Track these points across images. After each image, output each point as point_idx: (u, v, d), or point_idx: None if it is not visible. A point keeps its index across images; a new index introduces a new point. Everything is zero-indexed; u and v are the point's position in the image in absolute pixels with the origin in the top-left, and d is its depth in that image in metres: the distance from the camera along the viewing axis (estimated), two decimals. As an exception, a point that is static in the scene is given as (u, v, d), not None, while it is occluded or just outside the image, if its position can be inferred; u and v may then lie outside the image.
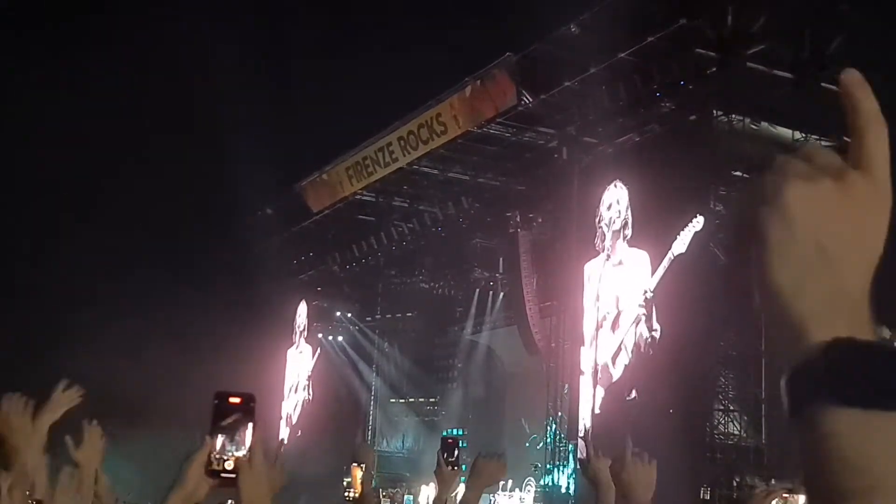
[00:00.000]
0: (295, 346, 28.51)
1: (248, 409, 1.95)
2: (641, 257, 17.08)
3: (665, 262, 16.35)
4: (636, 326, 17.25)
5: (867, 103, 0.83)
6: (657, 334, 16.58)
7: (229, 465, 1.91)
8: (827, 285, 0.80)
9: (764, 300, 0.81)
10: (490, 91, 18.75)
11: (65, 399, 3.45)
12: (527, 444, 22.11)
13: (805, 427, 0.78)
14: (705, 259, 15.73)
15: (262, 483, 1.97)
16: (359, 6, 27.71)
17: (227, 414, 1.93)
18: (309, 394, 27.67)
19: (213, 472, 1.92)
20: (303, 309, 28.46)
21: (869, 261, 0.81)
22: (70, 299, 24.08)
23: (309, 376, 27.91)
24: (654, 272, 16.70)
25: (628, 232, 17.46)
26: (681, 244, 15.89)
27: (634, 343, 17.27)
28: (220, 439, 1.91)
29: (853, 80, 0.84)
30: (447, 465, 4.38)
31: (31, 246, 25.27)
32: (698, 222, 15.64)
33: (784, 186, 0.82)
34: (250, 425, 1.93)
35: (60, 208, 25.42)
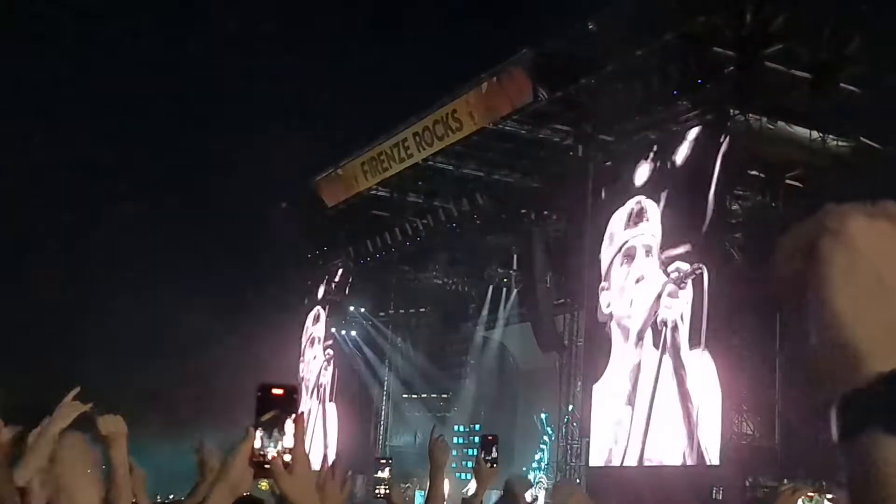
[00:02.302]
0: (309, 343, 28.50)
1: (290, 402, 1.93)
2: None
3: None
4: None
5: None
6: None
7: (271, 456, 1.90)
8: (886, 316, 0.83)
9: (821, 325, 0.85)
10: (506, 87, 18.72)
11: (72, 408, 3.54)
12: (542, 443, 22.13)
13: (857, 452, 0.80)
14: (719, 258, 15.68)
15: (308, 491, 1.92)
16: (375, 3, 27.72)
17: (270, 404, 1.91)
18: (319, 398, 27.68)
19: (258, 465, 1.91)
20: (317, 311, 28.38)
21: None
22: (84, 302, 24.28)
23: (318, 382, 27.88)
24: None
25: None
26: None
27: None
28: (260, 434, 1.90)
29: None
30: (486, 464, 4.37)
31: (52, 247, 25.41)
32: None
33: (848, 219, 0.87)
34: (290, 420, 1.91)
35: (74, 207, 25.56)
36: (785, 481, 13.12)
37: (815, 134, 16.24)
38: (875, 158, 15.98)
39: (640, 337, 16.81)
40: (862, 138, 16.32)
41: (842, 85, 15.79)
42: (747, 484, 15.16)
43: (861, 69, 15.47)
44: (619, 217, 17.73)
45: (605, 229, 17.89)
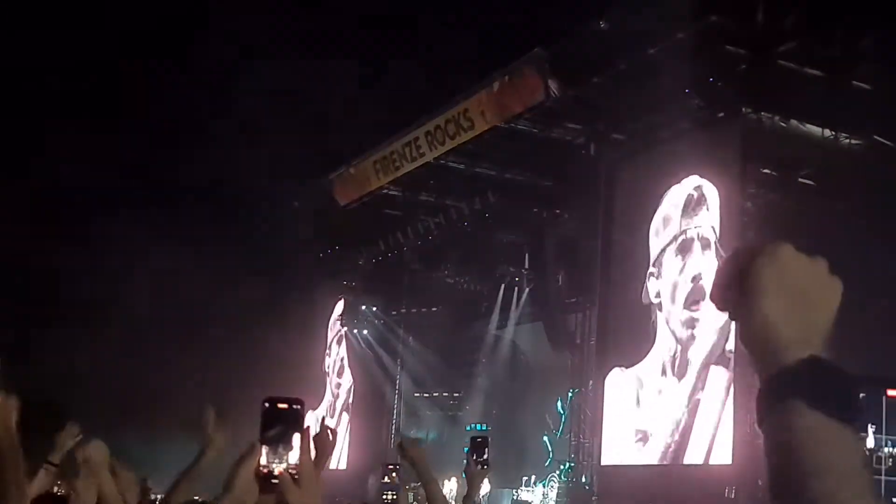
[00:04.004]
0: (333, 339, 28.54)
1: (296, 415, 1.90)
2: None
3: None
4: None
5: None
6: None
7: (278, 471, 1.88)
8: (806, 319, 1.07)
9: (753, 325, 1.07)
10: (518, 86, 18.71)
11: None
12: (550, 439, 22.11)
13: (782, 418, 1.01)
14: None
15: (313, 497, 1.92)
16: (385, 1, 27.75)
17: (276, 419, 1.89)
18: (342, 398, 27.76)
19: (263, 479, 1.88)
20: (338, 308, 28.38)
21: (832, 310, 1.09)
22: (93, 302, 24.37)
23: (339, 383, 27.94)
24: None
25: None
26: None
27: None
28: (266, 448, 1.87)
29: None
30: (476, 465, 4.39)
31: (73, 251, 25.50)
32: None
33: (780, 246, 1.08)
34: (297, 434, 1.89)
35: (88, 213, 25.68)
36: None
37: (827, 132, 16.19)
38: (888, 156, 15.93)
39: (694, 347, 16.34)
40: (875, 136, 16.26)
41: (854, 83, 15.74)
42: (760, 483, 15.13)
43: (874, 67, 15.42)
44: (676, 198, 17.00)
45: (660, 203, 17.29)
